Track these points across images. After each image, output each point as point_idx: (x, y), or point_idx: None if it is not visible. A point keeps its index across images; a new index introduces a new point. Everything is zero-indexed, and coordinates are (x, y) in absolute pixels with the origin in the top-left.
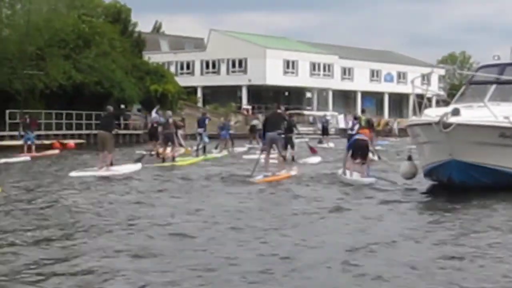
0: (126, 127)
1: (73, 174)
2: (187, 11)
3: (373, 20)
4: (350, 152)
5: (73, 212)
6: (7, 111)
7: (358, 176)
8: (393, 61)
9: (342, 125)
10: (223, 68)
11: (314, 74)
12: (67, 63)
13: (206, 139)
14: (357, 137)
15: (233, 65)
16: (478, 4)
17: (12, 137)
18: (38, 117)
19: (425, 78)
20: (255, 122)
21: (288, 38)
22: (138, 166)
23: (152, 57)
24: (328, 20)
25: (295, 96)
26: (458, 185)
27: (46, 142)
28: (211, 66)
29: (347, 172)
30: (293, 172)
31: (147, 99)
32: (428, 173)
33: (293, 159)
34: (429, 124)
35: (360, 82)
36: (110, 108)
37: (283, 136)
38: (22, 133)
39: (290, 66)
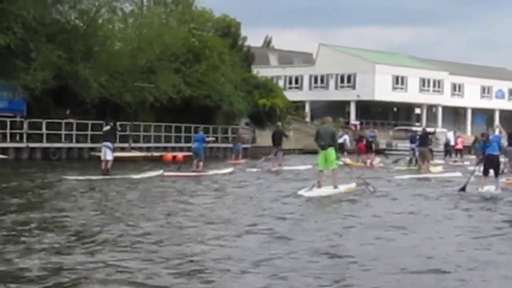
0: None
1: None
2: (298, 25)
3: (489, 35)
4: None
5: None
6: (118, 123)
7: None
8: (504, 77)
9: (452, 142)
10: (332, 83)
11: (423, 90)
12: (177, 77)
13: (417, 153)
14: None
15: (342, 80)
16: None
17: (122, 149)
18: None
19: None
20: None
21: (397, 53)
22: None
23: (261, 71)
24: (443, 35)
25: (404, 112)
26: None
27: (156, 154)
28: (320, 81)
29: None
30: None
31: (255, 113)
32: None
33: None
34: None
35: (471, 99)
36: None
37: None
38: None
39: (399, 81)
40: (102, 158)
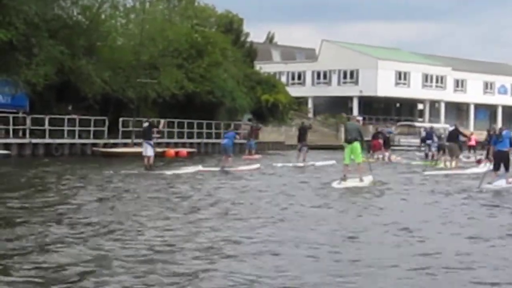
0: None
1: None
2: (301, 21)
3: (493, 31)
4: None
5: None
6: (120, 119)
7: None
8: (507, 73)
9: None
10: (334, 78)
11: (426, 86)
12: (180, 73)
13: (433, 149)
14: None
15: (345, 76)
16: None
17: (125, 145)
18: (258, 127)
19: None
20: None
21: (400, 49)
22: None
23: (264, 67)
24: (446, 31)
25: (406, 108)
26: None
27: (159, 150)
28: (322, 77)
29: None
30: None
31: (258, 109)
32: None
33: None
34: None
35: (473, 94)
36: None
37: None
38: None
39: (402, 77)
40: (144, 154)
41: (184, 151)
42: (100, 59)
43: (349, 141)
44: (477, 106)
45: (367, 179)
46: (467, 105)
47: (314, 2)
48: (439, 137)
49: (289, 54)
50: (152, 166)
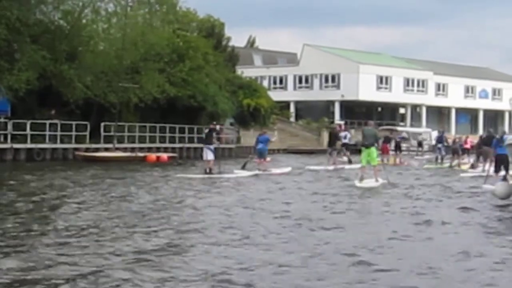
0: (219, 141)
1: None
2: (282, 25)
3: (477, 35)
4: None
5: None
6: (102, 124)
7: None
8: (488, 77)
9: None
10: (316, 83)
11: (408, 90)
12: (161, 77)
13: (443, 152)
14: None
15: (326, 80)
16: None
17: (106, 149)
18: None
19: None
20: None
21: (381, 53)
22: None
23: (245, 72)
24: (428, 35)
25: (388, 112)
26: None
27: (140, 154)
28: (304, 81)
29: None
30: None
31: (240, 113)
32: None
33: None
34: None
35: (455, 98)
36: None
37: None
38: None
39: (383, 81)
40: (204, 158)
41: (164, 156)
42: (82, 64)
43: (366, 146)
44: (459, 110)
45: (381, 180)
46: (448, 109)
47: (295, 6)
48: (454, 141)
49: (271, 58)
50: (212, 170)
